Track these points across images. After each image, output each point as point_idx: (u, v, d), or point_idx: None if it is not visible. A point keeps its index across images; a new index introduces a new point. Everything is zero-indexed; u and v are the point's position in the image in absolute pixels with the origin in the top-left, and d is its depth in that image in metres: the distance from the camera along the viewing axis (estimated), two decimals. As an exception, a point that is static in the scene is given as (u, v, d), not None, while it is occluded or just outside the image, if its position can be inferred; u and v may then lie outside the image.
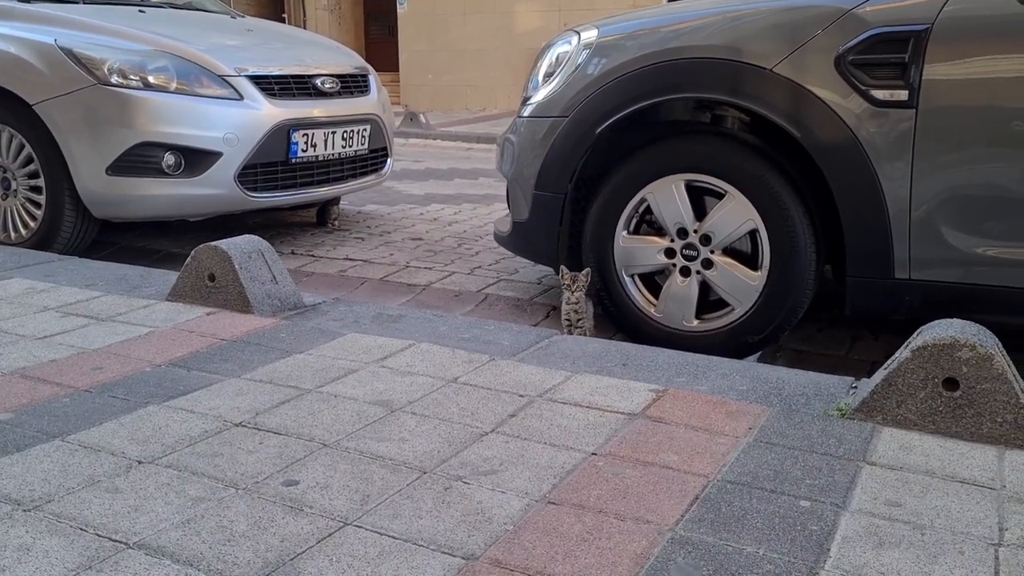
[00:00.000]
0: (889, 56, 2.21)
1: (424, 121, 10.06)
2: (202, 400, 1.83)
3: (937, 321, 1.77)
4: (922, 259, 2.26)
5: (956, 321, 1.75)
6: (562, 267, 2.66)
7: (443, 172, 6.96)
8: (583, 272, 2.64)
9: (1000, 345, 1.71)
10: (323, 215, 4.70)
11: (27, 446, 1.59)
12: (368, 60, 4.91)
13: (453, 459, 1.56)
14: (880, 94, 2.22)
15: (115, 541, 1.28)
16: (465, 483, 1.47)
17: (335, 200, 4.64)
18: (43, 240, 3.61)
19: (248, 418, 1.73)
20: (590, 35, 2.75)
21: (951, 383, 1.66)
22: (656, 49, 2.54)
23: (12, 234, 3.70)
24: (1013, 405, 1.61)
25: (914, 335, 1.76)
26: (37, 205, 3.63)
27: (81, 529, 1.31)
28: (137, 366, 2.04)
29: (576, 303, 2.65)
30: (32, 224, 3.65)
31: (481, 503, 1.40)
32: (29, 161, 3.60)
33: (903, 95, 2.20)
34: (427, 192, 5.88)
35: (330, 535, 1.30)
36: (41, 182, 3.59)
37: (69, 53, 3.44)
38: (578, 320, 2.65)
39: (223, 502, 1.39)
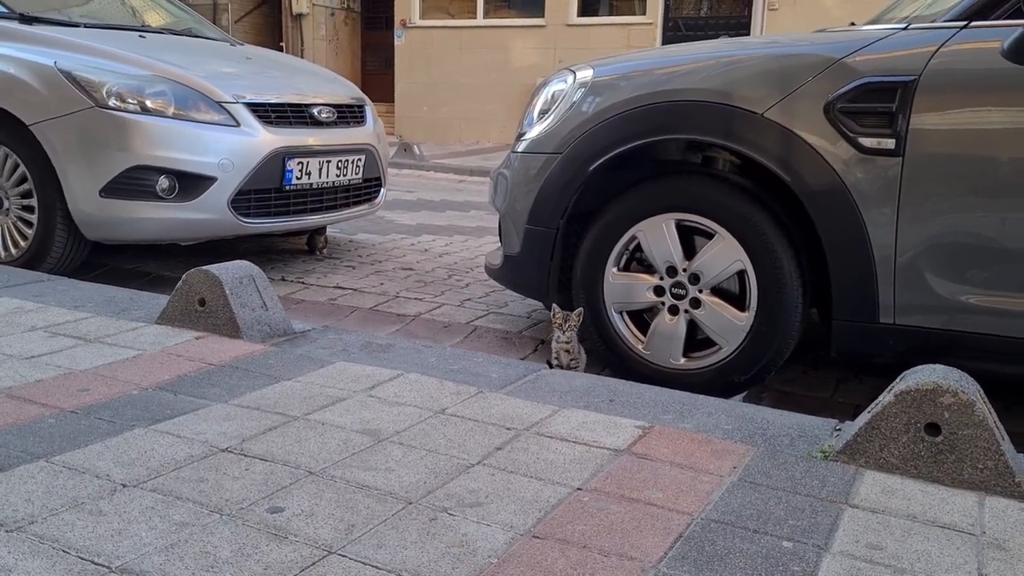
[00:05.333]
0: (877, 105, 2.26)
1: (418, 152, 10.12)
2: (189, 424, 1.83)
3: (920, 367, 1.80)
4: (906, 305, 2.30)
5: (939, 367, 1.77)
6: (554, 306, 2.67)
7: (435, 203, 7.00)
8: (575, 312, 2.64)
9: (982, 391, 1.73)
10: (312, 242, 4.72)
11: (11, 466, 1.59)
12: (364, 91, 4.96)
13: (439, 490, 1.56)
14: (868, 142, 2.27)
15: (97, 564, 1.27)
16: (450, 515, 1.47)
17: (322, 228, 4.65)
18: (33, 259, 3.61)
19: (234, 444, 1.73)
20: (585, 75, 2.79)
21: (933, 428, 1.68)
22: (650, 90, 2.59)
23: (2, 252, 3.69)
24: (994, 452, 1.63)
25: (897, 380, 1.78)
26: (29, 224, 3.64)
27: (64, 551, 1.31)
28: (124, 389, 2.03)
29: (568, 342, 2.64)
30: (23, 243, 3.65)
31: (466, 535, 1.40)
32: (23, 180, 3.61)
33: (890, 143, 2.24)
34: (419, 223, 5.91)
35: (314, 564, 1.30)
36: (34, 201, 3.60)
37: (68, 75, 3.46)
38: (569, 361, 2.64)
39: (207, 528, 1.39)
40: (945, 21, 2.28)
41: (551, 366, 2.61)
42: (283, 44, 14.69)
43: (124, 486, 1.53)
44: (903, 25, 2.39)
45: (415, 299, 3.73)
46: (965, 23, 2.24)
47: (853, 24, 2.94)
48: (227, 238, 4.07)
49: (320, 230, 4.66)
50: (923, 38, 2.27)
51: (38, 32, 3.75)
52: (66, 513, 1.42)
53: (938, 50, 2.22)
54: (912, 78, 2.22)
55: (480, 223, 5.94)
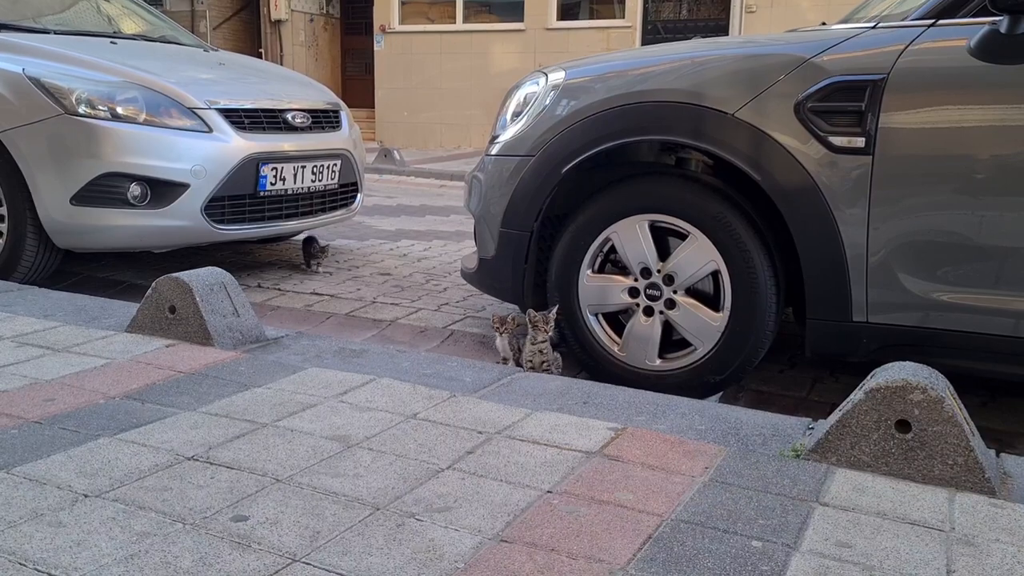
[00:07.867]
0: (847, 104, 2.26)
1: (398, 158, 10.08)
2: (155, 433, 1.80)
3: (891, 364, 1.80)
4: (879, 303, 2.30)
5: (909, 364, 1.77)
6: (530, 310, 2.65)
7: (415, 208, 6.98)
8: (551, 311, 2.63)
9: (951, 388, 1.73)
10: (308, 257, 4.38)
11: (-30, 478, 1.56)
12: (345, 96, 4.94)
13: (407, 496, 1.55)
14: (838, 140, 2.27)
15: (54, 577, 1.25)
16: (418, 520, 1.45)
17: (324, 247, 4.38)
18: (3, 269, 3.56)
19: (201, 452, 1.71)
20: (557, 77, 2.79)
21: (903, 425, 1.68)
22: (622, 92, 2.58)
23: (-28, 262, 3.64)
24: (963, 448, 1.63)
25: (868, 377, 1.78)
26: (-1, 233, 3.59)
27: (20, 564, 1.28)
28: (91, 398, 2.00)
29: (543, 343, 2.63)
30: (-7, 252, 3.60)
31: (433, 540, 1.39)
32: (-8, 189, 3.56)
33: (860, 142, 2.25)
34: (398, 228, 5.88)
35: (276, 572, 1.28)
36: (3, 210, 3.55)
37: (37, 82, 3.42)
38: (542, 363, 2.63)
39: (169, 537, 1.37)
40: (913, 20, 2.29)
41: (523, 368, 2.60)
42: (262, 50, 14.63)
43: (86, 496, 1.50)
44: (872, 24, 2.39)
45: (392, 304, 3.71)
46: (933, 21, 2.25)
47: (824, 24, 2.95)
48: (202, 245, 4.03)
49: (314, 244, 4.38)
50: (891, 37, 2.28)
51: (6, 38, 3.70)
52: (25, 525, 1.39)
53: (906, 48, 2.22)
54: (881, 76, 2.22)
55: (460, 227, 5.92)
